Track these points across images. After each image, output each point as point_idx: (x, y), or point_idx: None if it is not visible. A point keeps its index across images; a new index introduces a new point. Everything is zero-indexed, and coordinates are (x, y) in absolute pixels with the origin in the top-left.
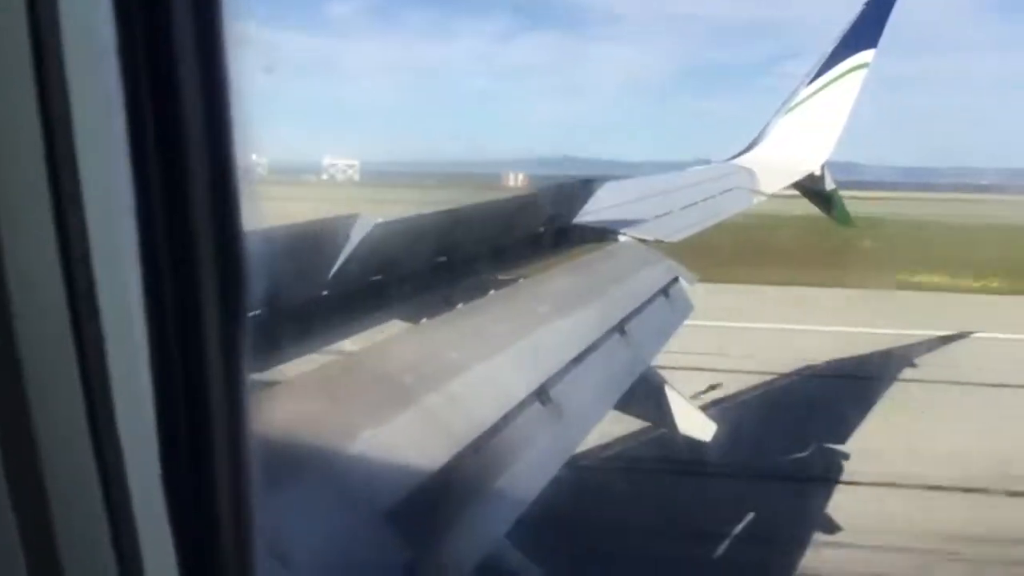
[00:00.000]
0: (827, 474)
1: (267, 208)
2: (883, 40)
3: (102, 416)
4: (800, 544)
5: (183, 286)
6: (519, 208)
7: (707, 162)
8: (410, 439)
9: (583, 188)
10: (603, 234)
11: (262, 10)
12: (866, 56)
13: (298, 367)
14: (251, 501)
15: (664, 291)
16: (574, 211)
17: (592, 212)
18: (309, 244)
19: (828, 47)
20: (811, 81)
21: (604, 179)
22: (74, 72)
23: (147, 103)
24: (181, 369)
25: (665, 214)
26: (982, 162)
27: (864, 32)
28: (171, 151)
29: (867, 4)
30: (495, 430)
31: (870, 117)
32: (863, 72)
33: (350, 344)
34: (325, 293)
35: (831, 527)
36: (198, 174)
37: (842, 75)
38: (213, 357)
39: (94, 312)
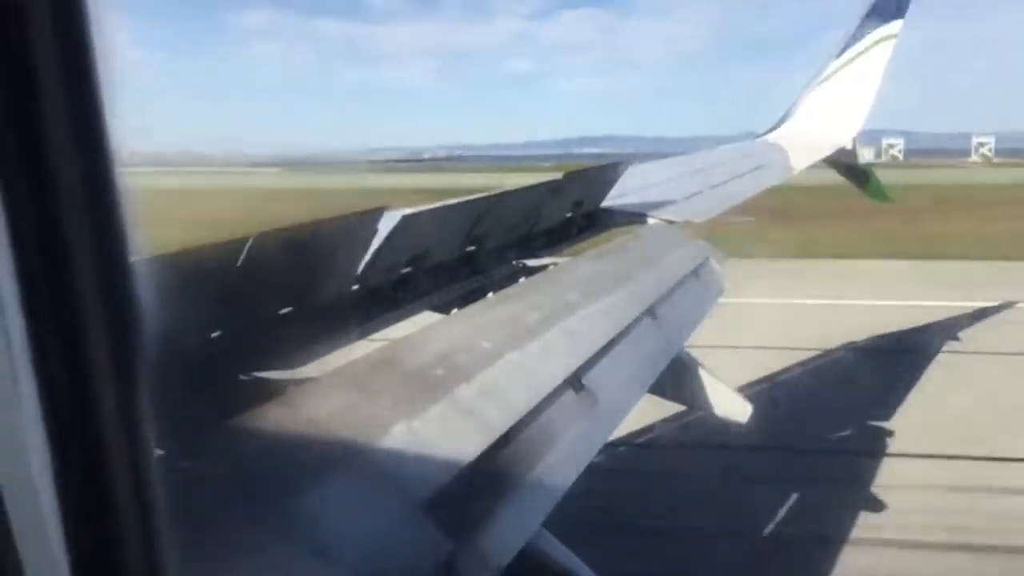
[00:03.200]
0: None
1: None
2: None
3: None
4: None
5: (68, 326)
6: (546, 194)
7: (753, 135)
8: (446, 429)
9: (610, 171)
10: (631, 217)
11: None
12: (894, 27)
13: (331, 363)
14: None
15: (695, 272)
16: (602, 195)
17: (620, 195)
18: (338, 240)
19: (857, 17)
20: (839, 54)
21: (631, 161)
22: None
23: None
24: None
25: (693, 195)
26: None
27: (891, 2)
28: (42, 180)
29: None
30: (529, 419)
31: (915, 82)
32: (891, 43)
33: (382, 338)
34: (355, 288)
35: None
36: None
37: (870, 47)
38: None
39: None
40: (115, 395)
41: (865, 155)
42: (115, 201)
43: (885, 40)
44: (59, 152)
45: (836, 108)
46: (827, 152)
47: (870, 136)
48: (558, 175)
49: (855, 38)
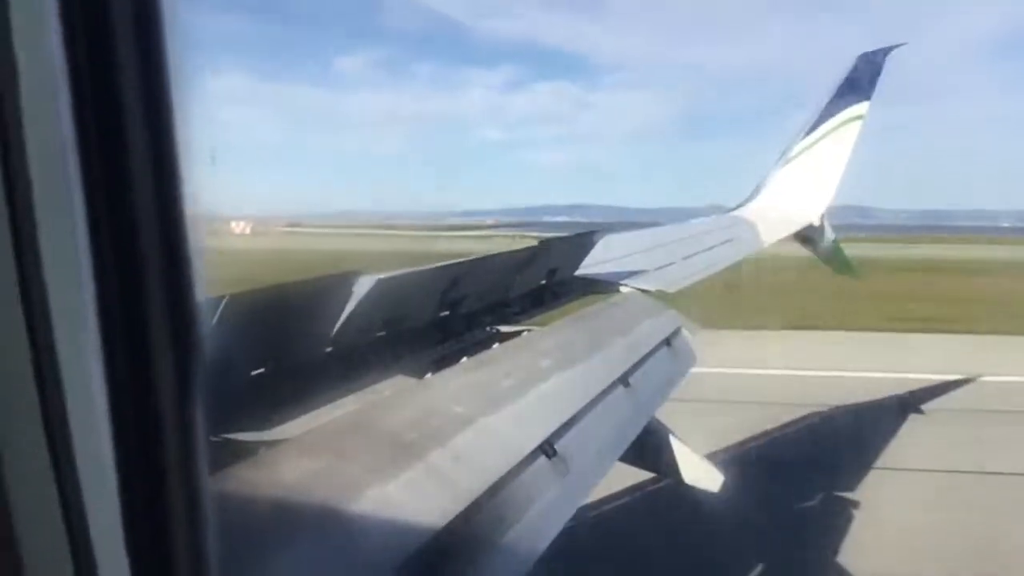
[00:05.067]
0: None
1: None
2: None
3: (63, 459)
4: None
5: (136, 335)
6: (521, 261)
7: (721, 208)
8: (416, 496)
9: (585, 240)
10: (605, 285)
11: (272, 66)
12: (861, 108)
13: (303, 425)
14: (207, 536)
15: (667, 341)
16: (576, 263)
17: (594, 264)
18: (312, 302)
19: (824, 99)
20: (807, 133)
21: (605, 231)
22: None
23: (97, 153)
24: (136, 412)
25: (665, 265)
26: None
27: (858, 85)
28: (122, 212)
29: (860, 58)
30: (502, 485)
31: (879, 161)
32: (859, 124)
33: (355, 401)
34: (329, 350)
35: None
36: (148, 228)
37: (838, 127)
38: (167, 403)
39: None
40: (175, 415)
41: None
42: (185, 238)
43: (852, 121)
44: (139, 202)
45: (805, 186)
46: (796, 228)
47: None
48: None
49: (823, 118)
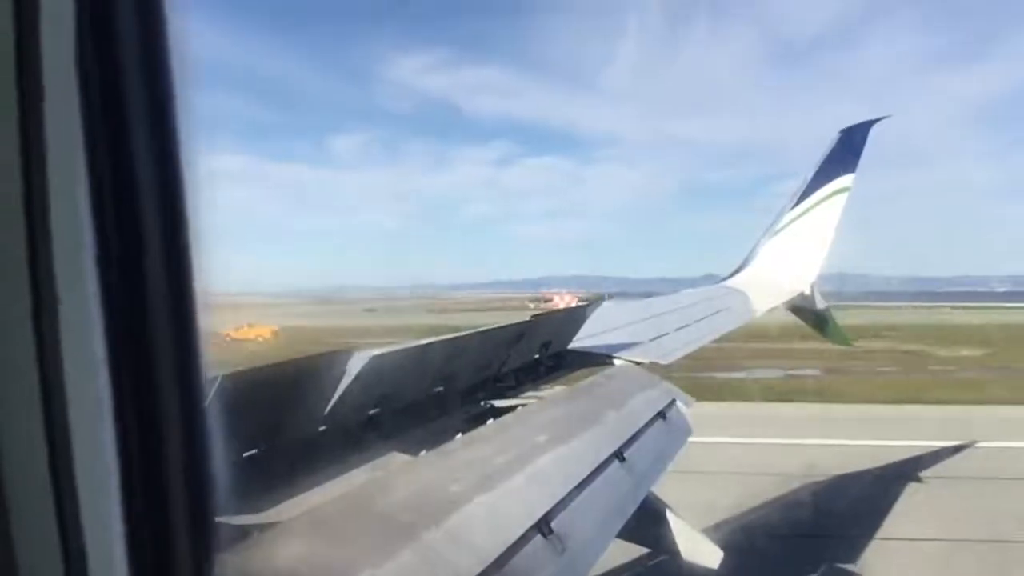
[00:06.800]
0: None
1: None
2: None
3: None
4: None
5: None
6: (515, 335)
7: (716, 278)
8: None
9: (578, 313)
10: (599, 358)
11: (269, 146)
12: (846, 180)
13: (297, 507)
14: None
15: (662, 414)
16: (571, 336)
17: (588, 336)
18: (306, 380)
19: (809, 171)
20: (794, 205)
21: (598, 303)
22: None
23: (113, 224)
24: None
25: (659, 336)
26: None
27: (842, 158)
28: (134, 286)
29: (843, 132)
30: (499, 564)
31: (873, 228)
32: (844, 196)
33: (350, 480)
34: (323, 429)
35: None
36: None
37: (824, 199)
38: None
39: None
40: (181, 448)
41: None
42: (194, 314)
43: (838, 193)
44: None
45: (794, 256)
46: (787, 297)
47: None
48: None
49: (809, 190)
